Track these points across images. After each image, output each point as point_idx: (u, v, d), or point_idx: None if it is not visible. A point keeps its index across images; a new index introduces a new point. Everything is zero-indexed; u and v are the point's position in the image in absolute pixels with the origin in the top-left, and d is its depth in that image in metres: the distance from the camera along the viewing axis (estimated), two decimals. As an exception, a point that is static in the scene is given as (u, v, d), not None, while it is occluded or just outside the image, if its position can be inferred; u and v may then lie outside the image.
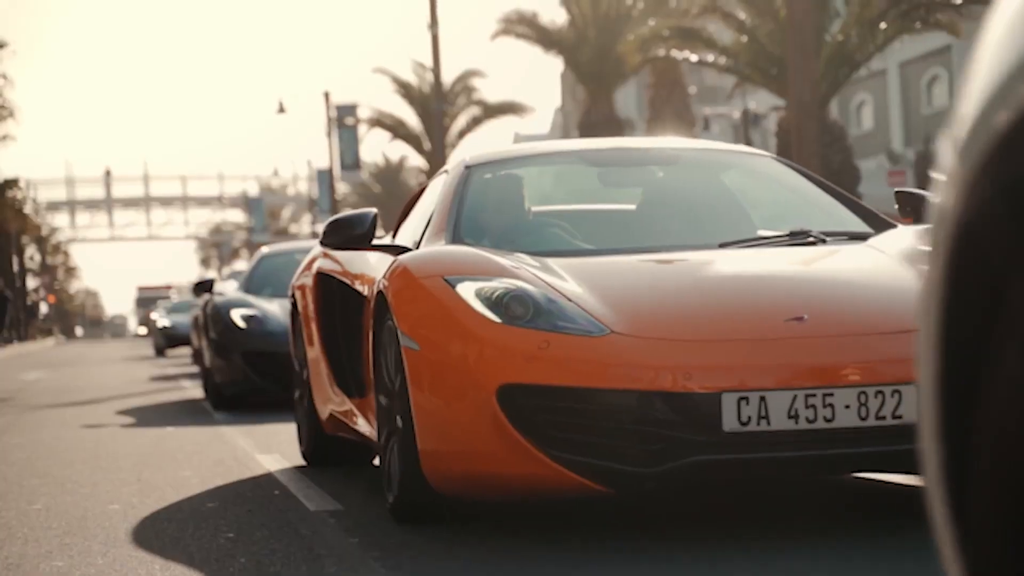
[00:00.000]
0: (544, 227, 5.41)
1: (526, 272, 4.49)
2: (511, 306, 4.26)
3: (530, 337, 4.16)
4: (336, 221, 5.47)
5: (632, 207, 5.72)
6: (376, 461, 6.48)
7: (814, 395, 4.02)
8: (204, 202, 78.03)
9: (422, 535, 4.49)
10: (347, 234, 5.40)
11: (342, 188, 54.52)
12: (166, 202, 77.10)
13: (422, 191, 6.29)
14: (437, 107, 29.14)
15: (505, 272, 4.45)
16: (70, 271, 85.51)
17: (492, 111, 39.16)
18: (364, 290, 5.53)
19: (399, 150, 68.56)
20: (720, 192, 5.71)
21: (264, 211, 72.72)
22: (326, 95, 43.63)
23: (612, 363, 4.07)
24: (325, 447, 6.60)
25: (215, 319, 11.60)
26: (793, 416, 4.01)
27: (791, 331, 4.16)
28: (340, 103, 43.47)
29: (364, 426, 5.62)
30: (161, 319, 31.85)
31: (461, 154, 5.78)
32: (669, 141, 6.21)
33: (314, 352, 6.36)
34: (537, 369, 4.11)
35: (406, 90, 39.86)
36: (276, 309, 11.45)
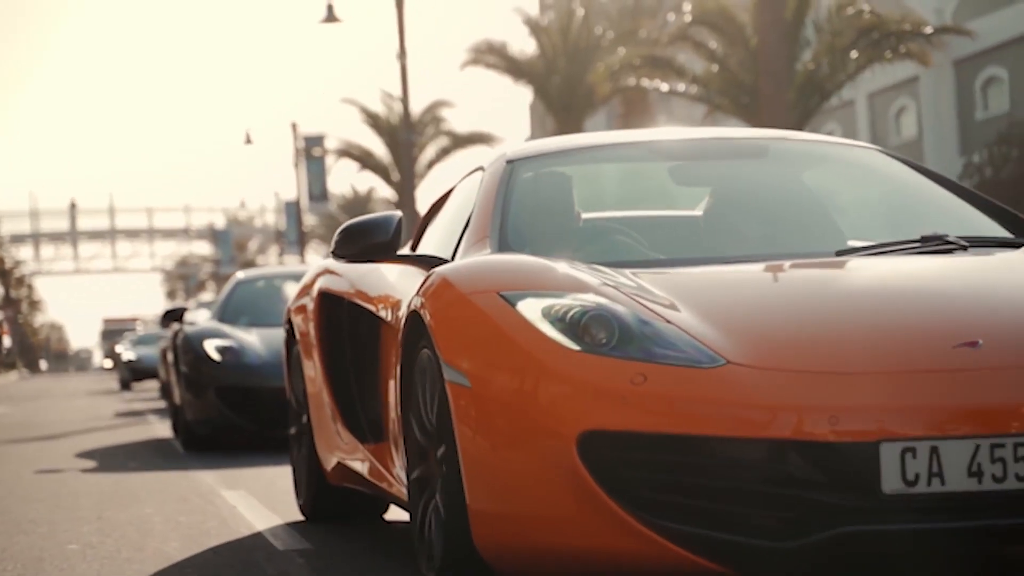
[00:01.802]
0: (609, 233, 4.43)
1: (605, 285, 3.50)
2: (591, 329, 3.28)
3: (620, 369, 3.19)
4: (351, 228, 4.44)
5: (699, 212, 4.67)
6: (388, 515, 5.77)
7: (1002, 445, 3.08)
8: (170, 234, 77.56)
9: (398, 574, 4.26)
10: (365, 243, 4.38)
11: (310, 220, 54.26)
12: (132, 234, 76.61)
13: (447, 195, 5.25)
14: (406, 137, 28.98)
15: (578, 285, 3.46)
16: (34, 304, 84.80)
17: (461, 141, 39.06)
18: (386, 314, 4.62)
19: (367, 181, 68.37)
20: (820, 190, 4.73)
21: (231, 243, 72.39)
22: (293, 126, 43.44)
23: (731, 403, 3.13)
24: (329, 500, 5.60)
25: (186, 351, 10.63)
26: (975, 473, 3.08)
27: (965, 360, 3.21)
28: (307, 134, 43.27)
29: (382, 477, 4.69)
30: (126, 352, 31.45)
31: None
32: (753, 131, 5.11)
33: (316, 387, 5.36)
34: (630, 411, 3.15)
35: (374, 120, 39.72)
36: (254, 340, 10.54)
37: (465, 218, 4.49)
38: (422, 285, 3.80)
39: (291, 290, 11.73)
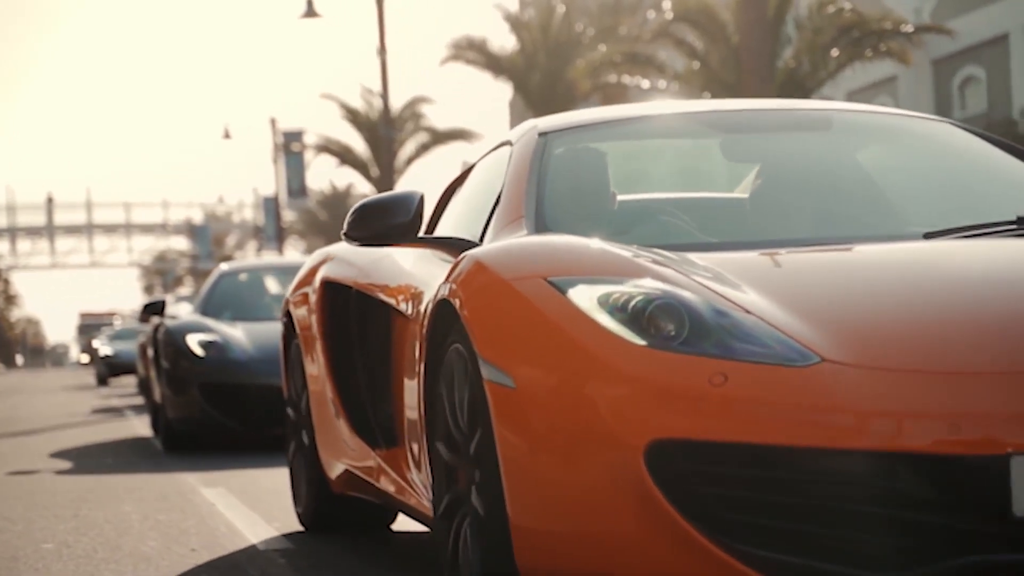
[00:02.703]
0: (654, 213, 3.91)
1: (668, 270, 3.01)
2: (657, 320, 2.79)
3: (695, 368, 2.71)
4: (366, 207, 3.97)
5: (744, 195, 4.14)
6: (395, 525, 5.31)
7: None
8: (148, 229, 77.21)
9: (382, 573, 4.20)
10: (382, 224, 3.91)
11: (288, 216, 54.11)
12: (109, 229, 76.22)
13: (466, 173, 4.74)
14: (385, 133, 28.90)
15: (637, 269, 2.98)
16: (10, 299, 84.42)
17: (440, 137, 38.99)
18: (404, 305, 4.09)
19: (346, 177, 68.31)
20: (889, 165, 4.23)
21: (209, 238, 72.13)
22: (272, 121, 43.29)
23: (829, 408, 2.63)
24: (332, 509, 5.11)
25: (168, 346, 10.08)
26: None
27: None
28: (286, 129, 43.13)
29: (396, 485, 4.19)
30: (103, 347, 31.27)
31: (515, 129, 4.18)
32: (814, 102, 4.54)
33: (319, 385, 4.84)
34: (708, 417, 2.67)
35: (354, 116, 39.61)
36: (239, 334, 10.02)
37: (493, 197, 3.99)
38: (452, 270, 3.31)
39: (275, 283, 11.45)
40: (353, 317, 4.67)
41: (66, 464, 9.20)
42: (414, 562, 4.61)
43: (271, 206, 48.79)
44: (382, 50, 27.70)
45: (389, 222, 3.91)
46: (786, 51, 23.22)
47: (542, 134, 4.04)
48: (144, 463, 9.07)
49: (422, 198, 3.94)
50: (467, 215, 4.33)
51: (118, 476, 8.13)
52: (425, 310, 3.56)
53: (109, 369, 30.16)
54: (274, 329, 10.21)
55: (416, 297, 3.96)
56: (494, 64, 32.23)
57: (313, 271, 5.08)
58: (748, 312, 2.84)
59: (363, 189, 50.44)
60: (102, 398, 22.51)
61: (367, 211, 3.95)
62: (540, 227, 3.64)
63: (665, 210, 3.92)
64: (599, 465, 2.75)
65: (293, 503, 5.47)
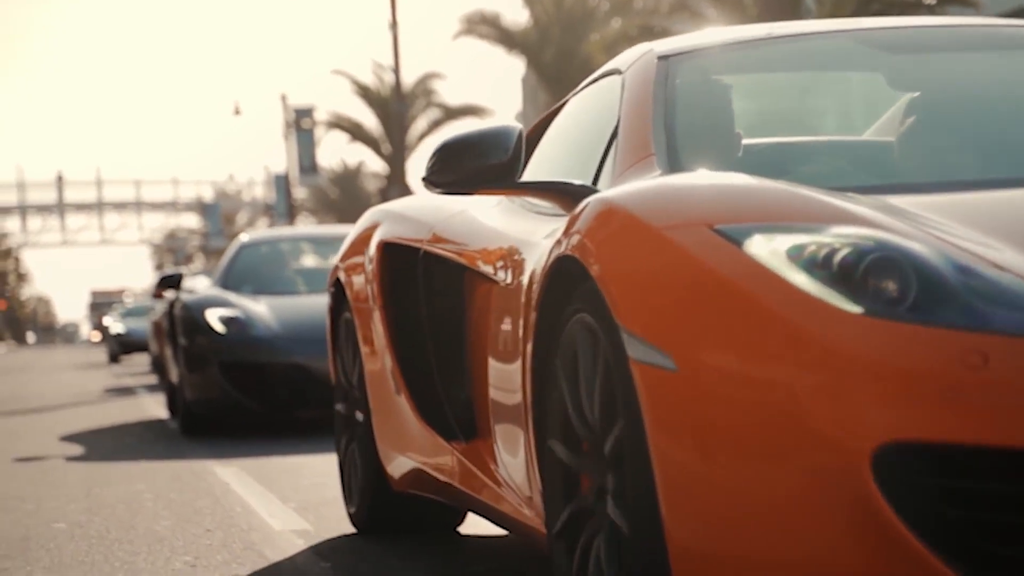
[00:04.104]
0: (808, 155, 3.22)
1: (879, 214, 2.27)
2: (874, 278, 2.07)
3: (940, 344, 2.00)
4: (451, 146, 3.23)
5: (891, 138, 3.32)
6: (463, 527, 4.59)
7: None
8: (158, 207, 77.38)
9: (403, 560, 4.05)
10: (474, 166, 3.16)
11: (299, 193, 54.09)
12: (119, 207, 76.38)
13: (555, 112, 4.04)
14: (398, 109, 28.75)
15: (836, 212, 2.24)
16: (21, 277, 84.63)
17: (452, 114, 38.90)
18: (495, 270, 3.37)
19: (357, 155, 68.26)
20: None
21: (219, 216, 72.19)
22: (283, 97, 43.21)
23: None
24: (390, 510, 4.40)
25: (186, 322, 9.40)
26: None
27: None
28: (297, 106, 43.06)
29: (477, 485, 3.50)
30: (115, 324, 31.23)
31: (619, 58, 3.55)
32: (989, 20, 3.71)
33: (378, 365, 4.10)
34: (963, 413, 1.97)
35: (365, 92, 39.49)
36: (263, 309, 9.35)
37: (602, 134, 3.30)
38: (574, 220, 2.58)
39: (300, 255, 11.10)
40: (422, 284, 3.93)
41: (78, 444, 9.09)
42: (416, 553, 4.47)
43: (282, 183, 48.71)
44: (394, 25, 27.53)
45: (482, 163, 3.16)
46: (804, 24, 22.97)
47: (662, 57, 3.31)
48: (157, 443, 8.97)
49: (521, 133, 3.17)
50: (569, 157, 3.63)
51: (131, 455, 8.04)
52: (532, 272, 2.92)
53: (121, 347, 30.13)
54: (300, 304, 9.81)
55: (511, 258, 3.26)
56: (507, 39, 32.05)
57: (368, 233, 4.35)
58: (1001, 268, 2.10)
59: (375, 167, 50.37)
60: (114, 377, 22.46)
61: (453, 150, 3.21)
62: (675, 167, 2.92)
63: (815, 151, 3.25)
64: (802, 474, 2.05)
65: (344, 501, 4.77)
